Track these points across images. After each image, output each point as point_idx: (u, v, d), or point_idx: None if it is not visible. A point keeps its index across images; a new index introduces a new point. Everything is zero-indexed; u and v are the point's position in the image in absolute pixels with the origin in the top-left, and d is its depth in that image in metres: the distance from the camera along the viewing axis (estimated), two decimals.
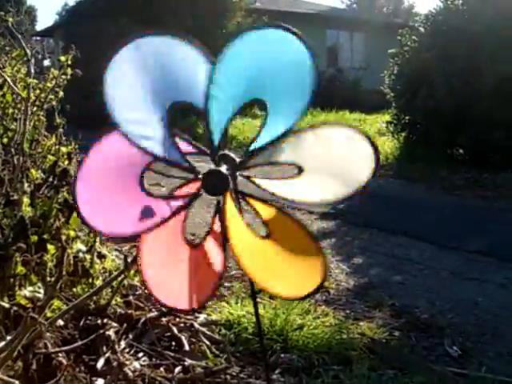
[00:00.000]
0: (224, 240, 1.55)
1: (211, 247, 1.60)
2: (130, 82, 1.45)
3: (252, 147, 1.48)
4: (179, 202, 1.56)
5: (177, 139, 1.51)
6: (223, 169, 1.45)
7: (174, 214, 1.55)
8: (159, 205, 1.55)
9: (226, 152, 1.50)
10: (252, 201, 1.53)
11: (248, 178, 1.52)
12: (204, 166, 1.48)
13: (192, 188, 1.55)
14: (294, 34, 1.35)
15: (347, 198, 1.49)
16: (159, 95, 1.46)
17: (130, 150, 1.48)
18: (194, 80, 1.42)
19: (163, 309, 2.30)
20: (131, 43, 1.41)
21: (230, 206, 1.52)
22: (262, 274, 1.58)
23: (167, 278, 1.63)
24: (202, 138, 1.55)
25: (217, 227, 1.56)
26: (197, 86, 1.42)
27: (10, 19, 2.66)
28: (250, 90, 1.43)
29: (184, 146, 1.52)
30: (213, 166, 1.47)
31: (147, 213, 1.53)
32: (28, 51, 2.60)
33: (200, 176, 1.49)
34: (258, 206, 1.53)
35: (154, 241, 1.59)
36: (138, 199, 1.54)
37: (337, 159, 1.48)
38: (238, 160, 1.50)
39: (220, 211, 1.55)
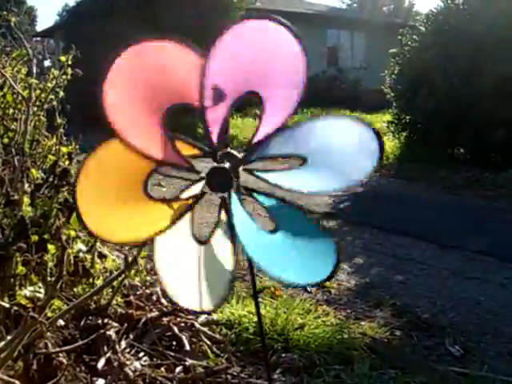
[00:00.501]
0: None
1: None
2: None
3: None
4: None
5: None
6: (226, 165, 1.45)
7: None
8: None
9: (228, 150, 1.50)
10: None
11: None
12: (207, 166, 1.48)
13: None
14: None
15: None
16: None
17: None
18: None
19: (164, 309, 2.30)
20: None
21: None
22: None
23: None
24: (202, 137, 1.55)
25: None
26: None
27: (13, 19, 2.66)
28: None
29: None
30: (215, 165, 1.48)
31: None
32: (30, 51, 2.60)
33: (203, 175, 1.49)
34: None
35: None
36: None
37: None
38: (239, 156, 1.50)
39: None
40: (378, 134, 1.43)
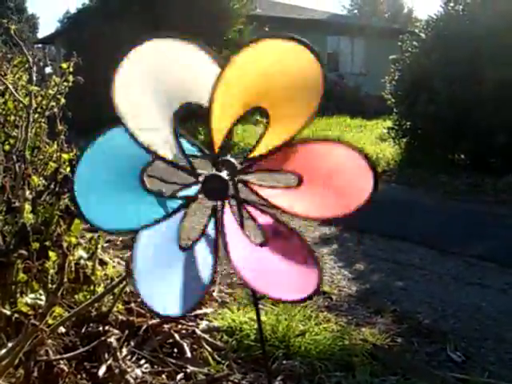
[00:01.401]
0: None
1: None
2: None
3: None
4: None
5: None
6: (223, 174, 1.45)
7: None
8: None
9: (228, 157, 1.51)
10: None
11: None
12: (204, 171, 1.49)
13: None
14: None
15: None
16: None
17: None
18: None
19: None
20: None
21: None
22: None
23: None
24: (202, 144, 1.55)
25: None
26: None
27: (13, 27, 2.67)
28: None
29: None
30: (214, 171, 1.48)
31: None
32: (30, 58, 2.61)
33: (201, 180, 1.49)
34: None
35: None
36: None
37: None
38: (238, 166, 1.50)
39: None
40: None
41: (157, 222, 1.55)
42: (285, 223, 1.53)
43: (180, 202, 1.56)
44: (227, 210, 1.52)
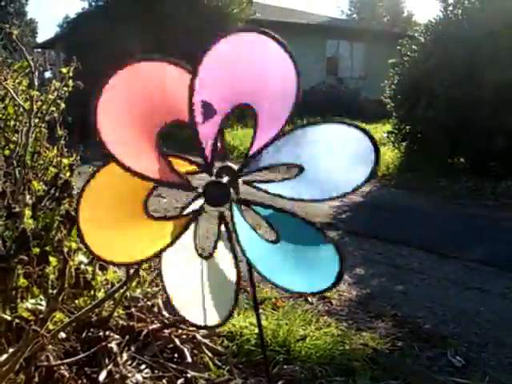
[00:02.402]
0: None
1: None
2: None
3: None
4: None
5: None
6: (223, 179, 1.46)
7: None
8: None
9: (225, 163, 1.51)
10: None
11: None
12: (202, 181, 1.50)
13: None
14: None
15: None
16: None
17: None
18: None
19: (165, 321, 2.29)
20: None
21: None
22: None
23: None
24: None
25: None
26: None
27: (15, 31, 2.68)
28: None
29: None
30: (213, 178, 1.48)
31: None
32: (31, 63, 2.61)
33: (200, 191, 1.50)
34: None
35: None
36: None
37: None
38: (236, 168, 1.51)
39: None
40: (373, 140, 1.43)
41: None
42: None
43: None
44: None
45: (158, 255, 1.60)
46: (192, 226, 1.57)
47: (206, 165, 1.50)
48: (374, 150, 1.44)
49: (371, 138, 1.43)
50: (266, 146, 1.47)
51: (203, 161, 1.50)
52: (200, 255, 1.63)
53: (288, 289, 1.66)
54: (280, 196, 1.53)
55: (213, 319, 1.68)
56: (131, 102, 1.45)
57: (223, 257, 1.62)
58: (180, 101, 1.42)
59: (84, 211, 1.51)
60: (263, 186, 1.55)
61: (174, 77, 1.42)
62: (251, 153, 1.49)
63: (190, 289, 1.66)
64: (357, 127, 1.45)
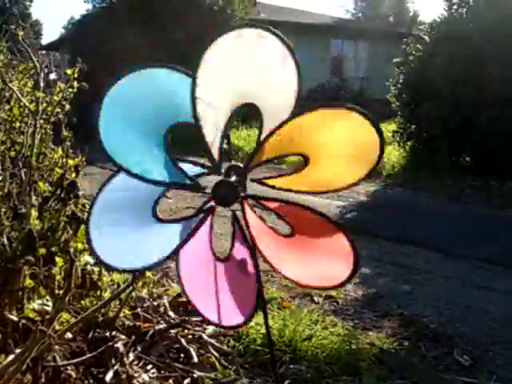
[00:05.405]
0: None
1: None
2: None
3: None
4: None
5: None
6: (232, 178, 1.46)
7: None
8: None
9: (232, 163, 1.51)
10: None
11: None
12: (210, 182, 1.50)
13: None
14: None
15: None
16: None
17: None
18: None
19: (171, 321, 2.30)
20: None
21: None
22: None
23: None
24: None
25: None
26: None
27: (21, 33, 2.68)
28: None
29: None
30: (221, 178, 1.49)
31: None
32: (37, 64, 2.62)
33: (208, 191, 1.50)
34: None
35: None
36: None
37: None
38: (243, 165, 1.51)
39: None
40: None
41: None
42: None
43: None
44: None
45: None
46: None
47: (214, 165, 1.50)
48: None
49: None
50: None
51: (210, 161, 1.50)
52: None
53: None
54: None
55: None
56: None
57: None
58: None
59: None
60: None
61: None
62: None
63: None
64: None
